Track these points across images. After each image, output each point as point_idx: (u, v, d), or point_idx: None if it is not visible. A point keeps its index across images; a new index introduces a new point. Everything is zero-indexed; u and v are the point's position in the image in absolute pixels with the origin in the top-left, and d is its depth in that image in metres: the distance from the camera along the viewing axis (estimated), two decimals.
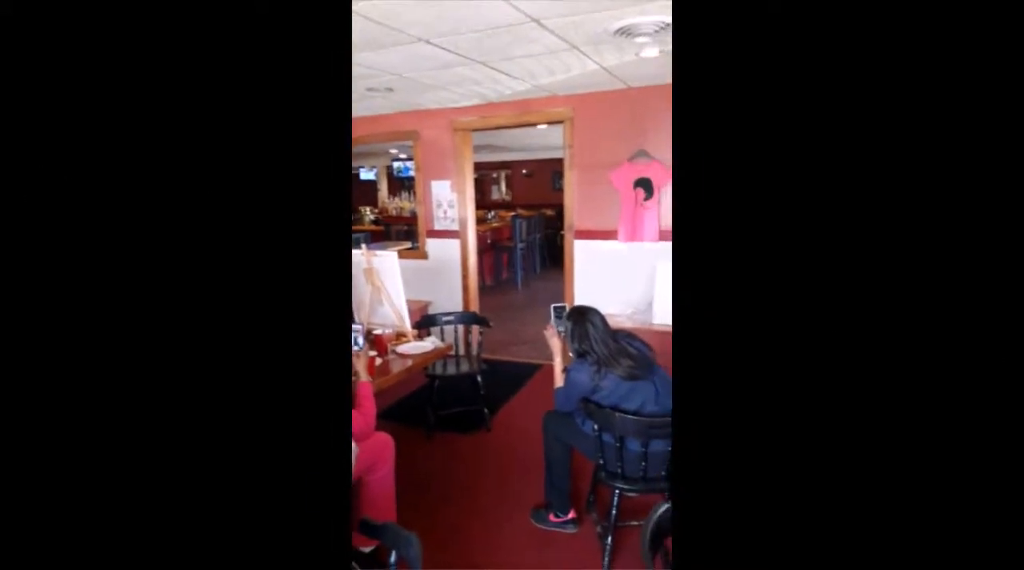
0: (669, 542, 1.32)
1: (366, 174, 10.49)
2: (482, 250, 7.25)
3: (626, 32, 2.38)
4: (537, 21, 2.25)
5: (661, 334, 3.51)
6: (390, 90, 3.57)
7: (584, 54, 2.80)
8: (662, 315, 3.64)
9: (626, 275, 3.94)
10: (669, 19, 2.24)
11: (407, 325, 2.70)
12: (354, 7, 2.01)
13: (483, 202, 10.82)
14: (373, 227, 8.56)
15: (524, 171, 11.42)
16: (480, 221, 8.29)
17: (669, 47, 2.67)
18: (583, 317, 2.11)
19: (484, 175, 11.66)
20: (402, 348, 2.60)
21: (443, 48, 2.62)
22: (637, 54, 2.79)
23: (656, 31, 2.37)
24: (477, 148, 8.54)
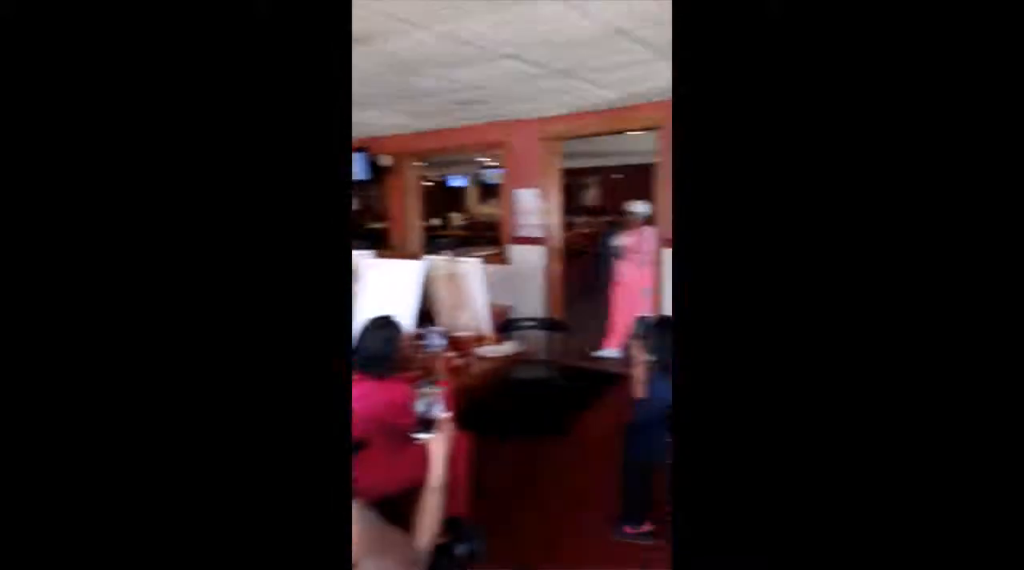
0: None
1: (454, 181, 10.85)
2: (571, 255, 7.26)
3: None
4: (621, 32, 2.26)
5: None
6: (479, 102, 3.70)
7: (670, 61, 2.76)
8: None
9: None
10: None
11: (488, 329, 2.79)
12: (443, 28, 2.13)
13: (571, 207, 10.82)
14: (461, 233, 8.84)
15: (614, 176, 11.29)
16: (568, 227, 8.31)
17: None
18: (665, 329, 2.09)
19: (574, 181, 11.65)
20: (482, 351, 2.69)
21: (529, 62, 2.69)
22: None
23: None
24: (569, 155, 8.58)
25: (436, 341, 2.18)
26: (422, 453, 1.35)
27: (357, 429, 1.62)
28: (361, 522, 1.03)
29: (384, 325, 1.92)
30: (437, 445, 1.33)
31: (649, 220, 4.38)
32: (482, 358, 2.65)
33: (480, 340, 2.78)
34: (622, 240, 4.39)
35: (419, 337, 2.39)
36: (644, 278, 4.26)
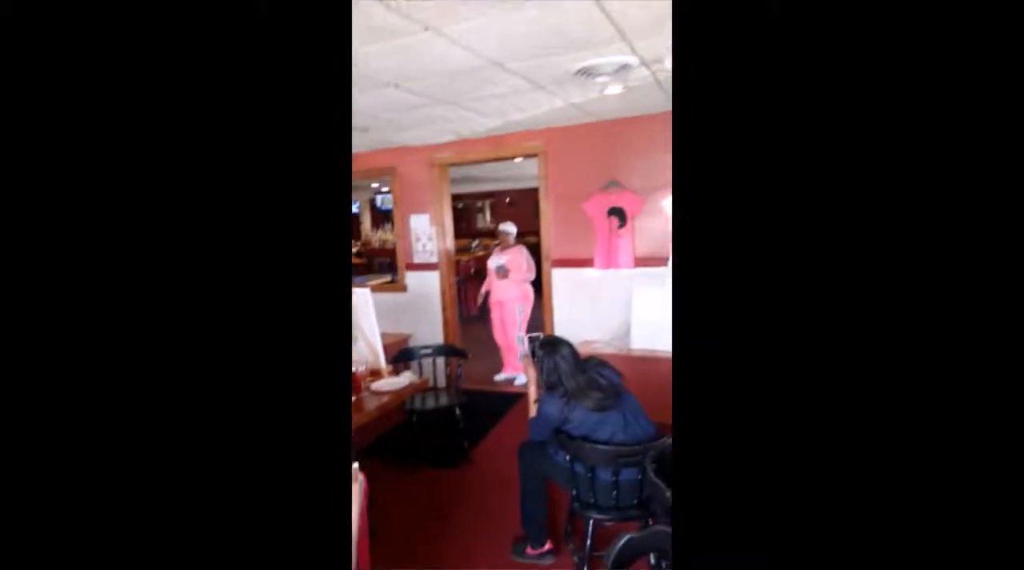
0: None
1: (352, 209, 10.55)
2: (466, 279, 7.30)
3: (586, 73, 2.48)
4: (500, 65, 2.34)
5: (639, 360, 3.56)
6: (365, 130, 3.65)
7: (551, 92, 2.90)
8: (639, 340, 3.69)
9: (603, 302, 4.00)
10: (627, 59, 2.34)
11: (382, 361, 2.72)
12: None
13: (468, 231, 10.92)
14: (355, 260, 8.59)
15: (507, 200, 11.56)
16: (464, 250, 8.37)
17: (631, 84, 2.78)
18: (553, 350, 2.15)
19: (469, 205, 11.78)
20: (376, 385, 2.61)
21: (411, 92, 2.70)
22: (601, 91, 2.89)
23: (615, 71, 2.47)
24: (459, 180, 8.65)
25: None
26: None
27: None
28: None
29: None
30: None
31: (519, 238, 4.59)
32: (376, 392, 2.57)
33: (374, 374, 2.70)
34: (501, 259, 4.49)
35: None
36: (519, 296, 4.39)
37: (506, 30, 1.94)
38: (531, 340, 2.36)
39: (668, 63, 2.42)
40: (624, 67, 2.43)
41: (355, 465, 1.34)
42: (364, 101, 2.85)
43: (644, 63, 2.42)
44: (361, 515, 1.78)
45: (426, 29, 1.86)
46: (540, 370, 2.17)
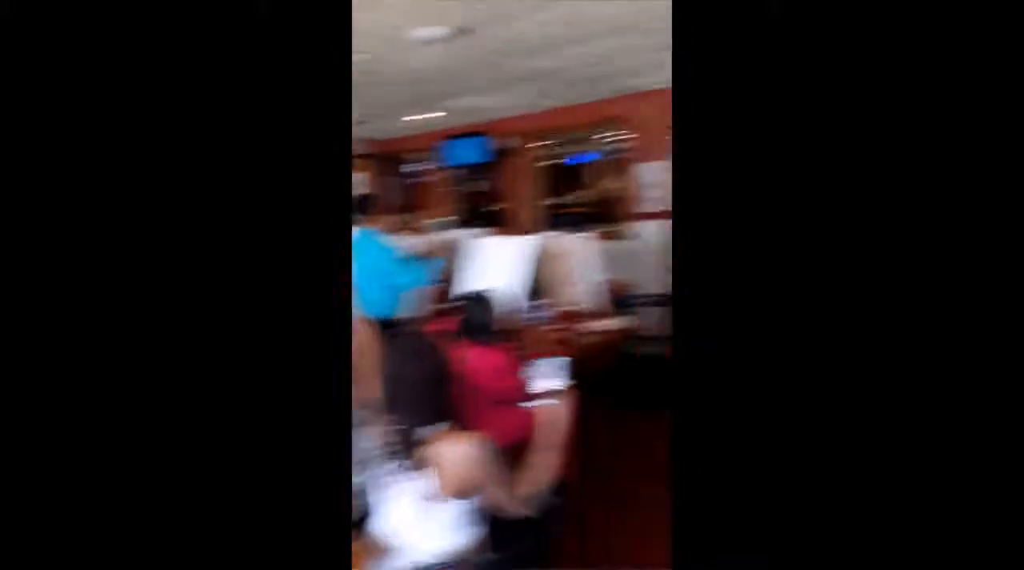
0: None
1: (578, 159, 10.70)
2: None
3: None
4: None
5: None
6: (606, 78, 3.67)
7: None
8: None
9: None
10: None
11: (599, 304, 2.85)
12: (541, 16, 2.17)
13: None
14: (585, 209, 8.80)
15: None
16: None
17: None
18: None
19: None
20: (590, 325, 2.77)
21: (647, 35, 2.64)
22: None
23: None
24: None
25: (539, 314, 2.31)
26: (526, 417, 1.46)
27: (463, 390, 1.81)
28: (485, 453, 1.15)
29: (478, 300, 2.09)
30: (555, 411, 1.41)
31: None
32: (589, 332, 2.72)
33: (590, 315, 2.86)
34: None
35: (523, 310, 2.53)
36: None
37: None
38: None
39: None
40: None
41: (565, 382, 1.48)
42: (594, 49, 2.88)
43: None
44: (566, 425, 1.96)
45: None
46: None
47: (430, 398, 1.21)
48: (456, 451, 1.13)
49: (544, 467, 1.34)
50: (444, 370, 1.29)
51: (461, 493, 1.14)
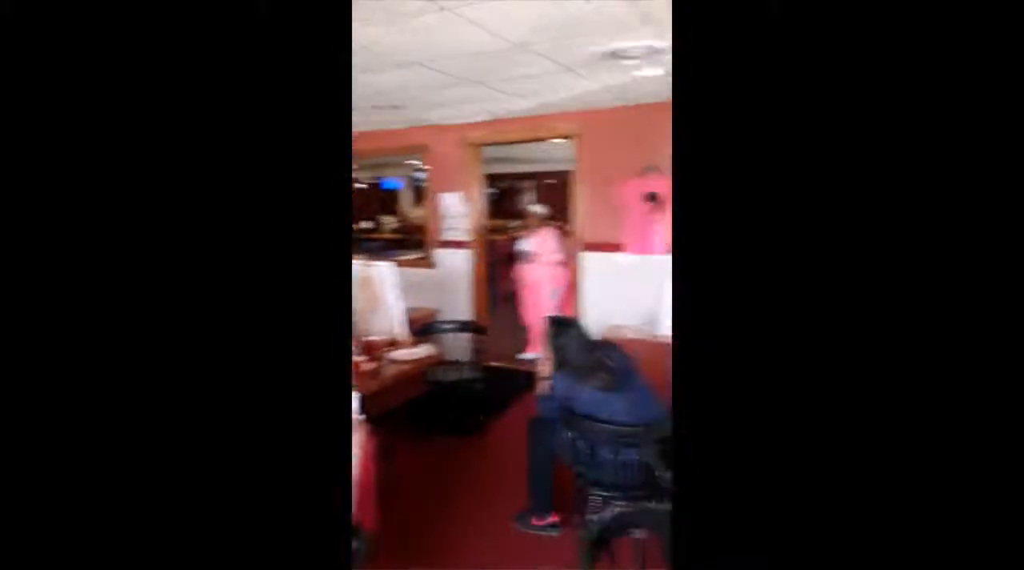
0: (616, 544, 1.40)
1: (389, 184, 10.74)
2: (501, 260, 7.35)
3: (616, 55, 2.46)
4: (523, 46, 2.36)
5: (664, 346, 3.56)
6: (396, 107, 3.73)
7: (582, 75, 2.89)
8: (666, 326, 3.68)
9: (633, 287, 3.99)
10: (657, 43, 2.32)
11: (402, 333, 2.82)
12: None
13: (510, 212, 10.93)
14: (393, 236, 8.76)
15: (548, 181, 11.52)
16: (500, 230, 8.41)
17: (665, 67, 2.74)
18: (561, 330, 2.20)
19: (512, 185, 11.79)
20: (396, 354, 2.72)
21: (438, 71, 2.75)
22: (634, 74, 2.87)
23: (645, 54, 2.45)
24: (499, 159, 8.63)
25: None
26: None
27: None
28: None
29: None
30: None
31: (549, 221, 4.59)
32: (394, 361, 2.68)
33: (393, 344, 2.81)
34: (525, 244, 4.51)
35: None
36: (549, 279, 4.41)
37: (524, 13, 1.96)
38: (551, 320, 2.41)
39: None
40: (654, 51, 2.41)
41: (358, 416, 1.43)
42: (390, 79, 2.92)
43: None
44: (364, 468, 1.89)
45: (441, 10, 1.90)
46: (549, 347, 2.22)
47: None
48: None
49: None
50: None
51: None
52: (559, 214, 5.03)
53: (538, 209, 4.63)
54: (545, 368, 2.35)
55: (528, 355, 4.68)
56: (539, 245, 4.41)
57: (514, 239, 7.95)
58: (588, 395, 2.08)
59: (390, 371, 2.58)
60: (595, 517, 1.44)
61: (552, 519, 2.33)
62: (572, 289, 4.66)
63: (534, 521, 2.34)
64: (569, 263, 4.47)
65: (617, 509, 1.38)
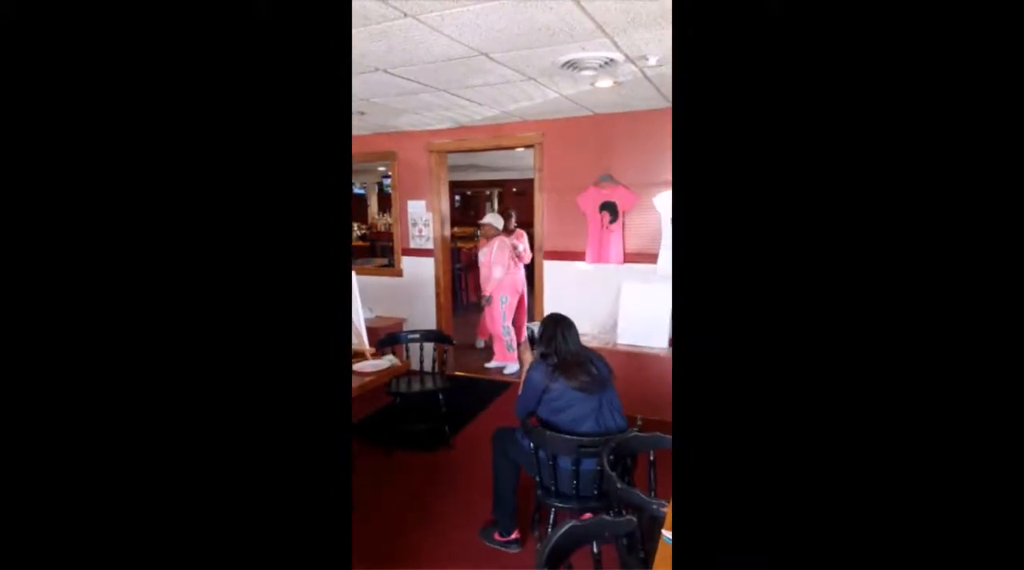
0: (572, 559, 1.38)
1: (356, 190, 10.62)
2: (467, 268, 7.34)
3: (573, 66, 2.48)
4: (486, 55, 2.35)
5: (624, 355, 3.58)
6: (361, 113, 3.68)
7: (541, 84, 2.90)
8: (626, 335, 3.71)
9: (592, 296, 4.01)
10: (611, 55, 2.34)
11: (364, 344, 2.77)
12: None
13: (476, 219, 10.94)
14: (360, 243, 8.65)
15: (514, 189, 11.56)
16: (466, 238, 8.40)
17: (621, 79, 2.77)
18: (558, 325, 2.22)
19: (477, 193, 11.79)
20: (358, 366, 2.67)
21: (401, 77, 2.72)
22: (592, 84, 2.89)
23: (601, 65, 2.47)
24: (464, 167, 8.61)
25: None
26: None
27: None
28: None
29: None
30: None
31: (505, 230, 4.66)
32: (357, 373, 2.63)
33: (357, 356, 2.76)
34: (480, 254, 4.53)
35: None
36: (502, 286, 4.43)
37: (485, 20, 1.95)
38: (533, 329, 2.38)
39: (652, 60, 2.41)
40: (609, 62, 2.43)
41: None
42: (356, 85, 2.88)
43: (629, 59, 2.42)
44: None
45: (404, 16, 1.88)
46: (541, 338, 2.22)
47: None
48: None
49: None
50: None
51: None
52: (525, 222, 5.03)
53: (492, 219, 4.63)
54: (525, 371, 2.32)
55: (493, 364, 4.66)
56: (492, 255, 4.42)
57: (476, 247, 8.00)
58: (562, 389, 2.08)
59: (353, 383, 2.52)
60: (551, 530, 1.42)
61: (514, 536, 2.31)
62: (523, 300, 4.70)
63: (497, 536, 2.32)
64: (514, 272, 4.49)
65: (570, 523, 1.36)
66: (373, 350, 2.86)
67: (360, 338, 2.77)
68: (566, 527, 1.37)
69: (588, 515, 2.02)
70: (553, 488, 2.05)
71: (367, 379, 2.60)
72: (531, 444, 2.06)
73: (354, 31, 2.03)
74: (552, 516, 2.09)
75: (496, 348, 4.65)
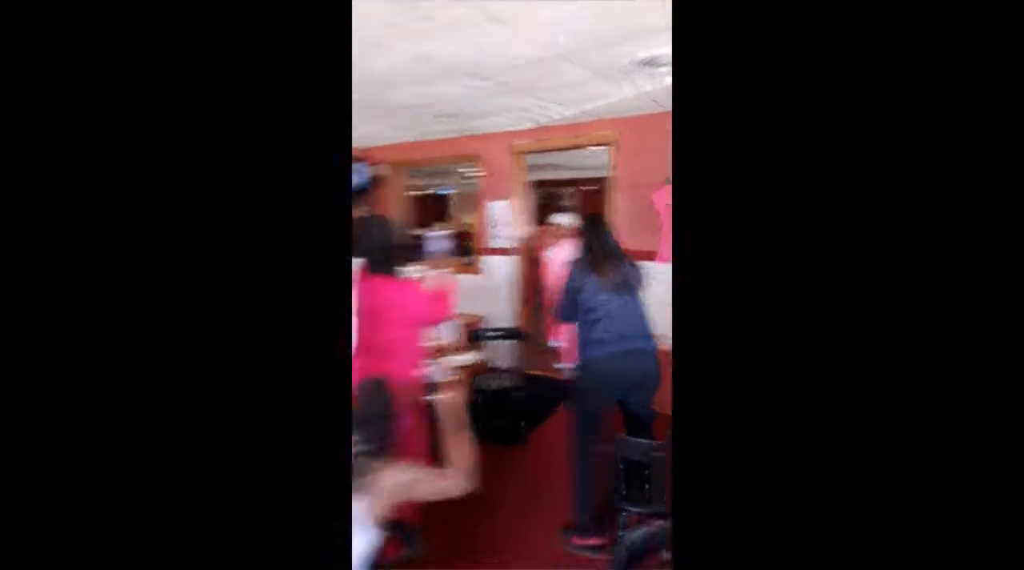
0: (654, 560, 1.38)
1: (444, 191, 10.92)
2: (541, 268, 7.29)
3: (651, 63, 2.44)
4: (564, 56, 2.37)
5: None
6: (452, 116, 3.81)
7: (618, 82, 2.88)
8: None
9: (662, 296, 3.90)
10: None
11: (453, 339, 2.89)
12: (398, 46, 2.24)
13: (547, 219, 10.83)
14: (446, 242, 8.87)
15: (589, 188, 11.39)
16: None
17: None
18: (596, 223, 2.42)
19: (553, 192, 11.75)
20: (447, 360, 2.78)
21: (489, 81, 2.82)
22: (667, 81, 2.83)
23: None
24: (541, 166, 8.60)
25: (435, 245, 2.45)
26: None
27: (374, 320, 1.98)
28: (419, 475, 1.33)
29: (380, 224, 2.18)
30: (454, 400, 1.57)
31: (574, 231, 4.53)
32: (449, 368, 2.73)
33: (440, 351, 2.87)
34: (551, 253, 4.49)
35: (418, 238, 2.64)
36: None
37: (563, 20, 1.98)
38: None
39: None
40: None
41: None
42: (447, 90, 3.00)
43: None
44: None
45: (491, 20, 1.96)
46: (582, 235, 2.39)
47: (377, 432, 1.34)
48: (395, 479, 1.25)
49: (462, 448, 1.48)
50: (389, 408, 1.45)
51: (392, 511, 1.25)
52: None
53: (562, 218, 4.58)
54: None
55: (563, 365, 4.63)
56: (562, 255, 4.38)
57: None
58: (593, 288, 2.25)
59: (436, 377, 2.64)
60: (626, 535, 1.41)
61: (593, 541, 2.26)
62: None
63: (575, 540, 2.29)
64: None
65: (648, 528, 1.36)
66: (462, 345, 2.97)
67: (444, 335, 2.88)
68: (646, 531, 1.35)
69: (659, 522, 1.99)
70: (624, 492, 2.04)
71: (458, 372, 2.70)
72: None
73: (444, 36, 2.14)
74: (623, 519, 2.06)
75: (564, 349, 4.63)
